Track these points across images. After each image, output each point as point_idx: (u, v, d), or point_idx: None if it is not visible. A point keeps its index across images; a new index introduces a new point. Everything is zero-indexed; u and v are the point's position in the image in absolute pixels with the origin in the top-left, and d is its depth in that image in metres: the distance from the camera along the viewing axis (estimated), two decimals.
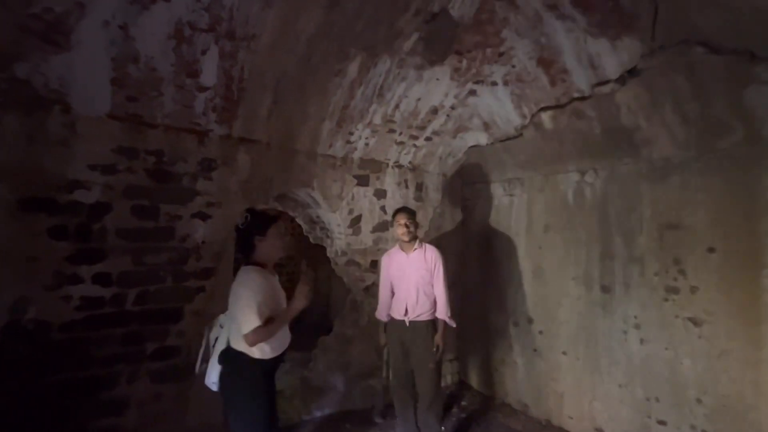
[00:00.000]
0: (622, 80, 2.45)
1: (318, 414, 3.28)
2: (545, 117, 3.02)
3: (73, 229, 2.33)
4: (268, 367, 1.90)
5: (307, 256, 5.84)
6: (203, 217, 2.73)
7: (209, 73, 2.42)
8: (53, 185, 2.29)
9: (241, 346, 1.82)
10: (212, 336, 2.04)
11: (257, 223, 1.97)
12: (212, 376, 1.91)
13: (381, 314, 2.85)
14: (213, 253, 2.72)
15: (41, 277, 2.23)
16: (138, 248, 2.51)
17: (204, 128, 2.72)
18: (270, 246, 1.97)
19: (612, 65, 2.42)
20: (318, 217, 3.66)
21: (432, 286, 2.71)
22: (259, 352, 1.83)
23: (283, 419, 3.10)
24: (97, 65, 2.20)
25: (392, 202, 3.64)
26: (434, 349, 2.64)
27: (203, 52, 2.32)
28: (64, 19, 1.98)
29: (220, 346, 1.93)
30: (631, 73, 2.38)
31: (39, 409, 2.21)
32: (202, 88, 2.48)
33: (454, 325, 2.71)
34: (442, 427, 2.95)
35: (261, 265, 1.95)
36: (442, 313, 2.68)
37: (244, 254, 2.00)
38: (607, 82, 2.51)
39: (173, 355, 2.60)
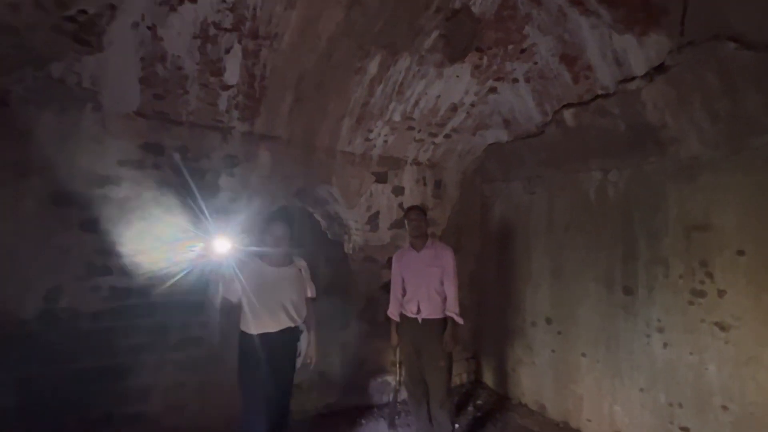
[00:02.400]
0: (648, 77, 2.38)
1: (335, 408, 3.32)
2: (567, 114, 2.96)
3: (103, 222, 2.42)
4: (252, 340, 2.23)
5: (326, 250, 5.90)
6: (226, 212, 2.80)
7: (233, 71, 2.47)
8: (85, 180, 2.39)
9: None
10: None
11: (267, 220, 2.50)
12: None
13: (392, 313, 2.85)
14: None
15: (73, 268, 2.34)
16: (163, 241, 2.59)
17: (227, 125, 2.78)
18: (267, 240, 2.38)
19: (638, 61, 2.35)
20: (336, 213, 3.69)
21: (443, 283, 2.71)
22: (242, 324, 2.28)
23: (301, 411, 3.17)
24: (127, 65, 2.28)
25: (410, 200, 3.64)
26: (445, 347, 2.63)
27: (227, 51, 2.37)
28: (96, 21, 2.05)
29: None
30: (659, 69, 2.31)
31: (70, 394, 2.32)
32: (226, 87, 2.54)
33: (462, 322, 2.69)
34: (456, 425, 2.95)
35: (262, 254, 2.36)
36: (451, 309, 2.67)
37: None
38: (632, 78, 2.44)
39: (196, 345, 2.69)
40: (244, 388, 2.25)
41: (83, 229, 2.37)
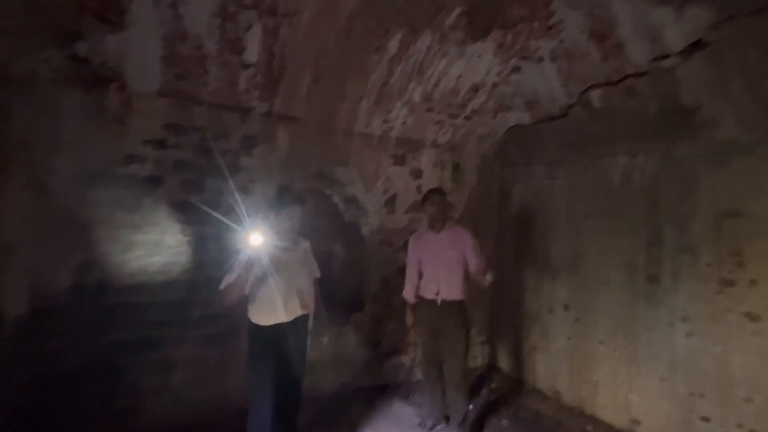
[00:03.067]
0: (685, 54, 2.25)
1: (350, 386, 3.40)
2: (594, 95, 2.84)
3: (128, 200, 2.49)
4: (267, 333, 2.10)
5: (342, 234, 5.95)
6: (245, 192, 2.83)
7: (252, 50, 2.46)
8: (110, 159, 2.45)
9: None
10: None
11: (277, 200, 2.21)
12: None
13: (408, 295, 2.86)
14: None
15: (102, 244, 2.42)
16: (186, 220, 2.66)
17: (246, 106, 2.79)
18: (280, 224, 2.13)
19: (674, 37, 2.22)
20: (353, 195, 3.69)
21: (461, 265, 2.69)
22: (250, 316, 2.14)
23: (316, 388, 3.24)
24: (149, 44, 2.29)
25: (428, 183, 3.60)
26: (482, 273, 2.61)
27: (247, 29, 2.35)
28: None
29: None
30: (696, 46, 2.18)
31: (99, 364, 2.44)
32: (245, 66, 2.53)
33: (491, 279, 2.68)
34: (470, 406, 2.99)
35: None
36: (483, 270, 2.66)
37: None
38: (667, 56, 2.31)
39: (217, 321, 2.76)
40: (254, 380, 2.13)
41: (111, 206, 2.44)
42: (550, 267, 3.48)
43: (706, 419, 2.40)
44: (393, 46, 2.72)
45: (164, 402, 2.60)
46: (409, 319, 2.92)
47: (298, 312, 2.20)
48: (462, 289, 2.70)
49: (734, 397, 2.28)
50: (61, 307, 2.33)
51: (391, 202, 3.55)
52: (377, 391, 3.37)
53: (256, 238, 1.96)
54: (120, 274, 2.48)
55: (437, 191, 2.83)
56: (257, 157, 2.89)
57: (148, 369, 2.57)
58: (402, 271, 3.32)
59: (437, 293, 2.68)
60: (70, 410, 2.35)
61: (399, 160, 3.55)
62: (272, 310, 2.11)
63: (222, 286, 2.02)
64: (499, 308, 4.01)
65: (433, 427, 2.85)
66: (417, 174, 3.64)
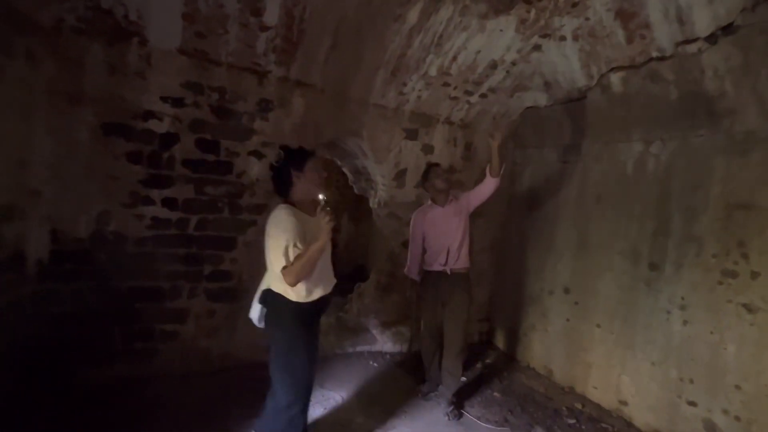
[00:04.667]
0: (713, 39, 2.19)
1: (350, 350, 3.53)
2: (615, 78, 2.79)
3: (146, 155, 2.56)
4: (308, 310, 1.80)
5: (350, 207, 6.03)
6: (258, 155, 2.88)
7: (272, 11, 2.45)
8: (130, 113, 2.51)
9: (278, 287, 1.76)
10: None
11: (294, 158, 1.83)
12: (252, 312, 1.90)
13: (412, 272, 2.93)
14: (266, 191, 2.88)
15: (120, 195, 2.52)
16: (200, 179, 2.73)
17: (263, 69, 2.80)
18: (308, 181, 1.81)
19: (704, 20, 2.16)
20: (364, 167, 3.72)
21: (467, 231, 2.79)
22: (295, 294, 1.75)
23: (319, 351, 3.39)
24: None
25: (439, 160, 3.60)
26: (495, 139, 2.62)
27: None
28: None
29: (262, 286, 1.87)
30: (726, 30, 2.12)
31: (117, 308, 2.58)
32: (265, 27, 2.53)
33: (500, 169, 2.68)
34: (463, 378, 3.09)
35: (297, 203, 1.81)
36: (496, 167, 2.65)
37: (281, 192, 1.86)
38: (694, 40, 2.25)
39: (227, 278, 2.88)
40: (293, 375, 1.79)
41: (129, 159, 2.52)
42: (555, 250, 3.51)
43: (693, 404, 2.46)
44: (413, 15, 2.68)
45: (178, 348, 2.75)
46: (412, 295, 3.00)
47: (333, 282, 1.94)
48: (468, 257, 2.79)
49: (724, 384, 2.33)
50: (82, 252, 2.45)
51: (401, 175, 3.58)
52: (375, 356, 3.50)
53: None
54: (137, 225, 2.58)
55: (438, 165, 2.91)
56: (272, 122, 2.92)
57: (163, 316, 2.71)
58: (406, 244, 3.39)
59: (445, 263, 2.74)
60: (93, 347, 2.51)
61: (411, 135, 3.55)
62: (321, 281, 1.82)
63: (295, 262, 1.65)
64: (500, 288, 4.08)
65: (427, 393, 2.97)
66: (429, 150, 3.65)
